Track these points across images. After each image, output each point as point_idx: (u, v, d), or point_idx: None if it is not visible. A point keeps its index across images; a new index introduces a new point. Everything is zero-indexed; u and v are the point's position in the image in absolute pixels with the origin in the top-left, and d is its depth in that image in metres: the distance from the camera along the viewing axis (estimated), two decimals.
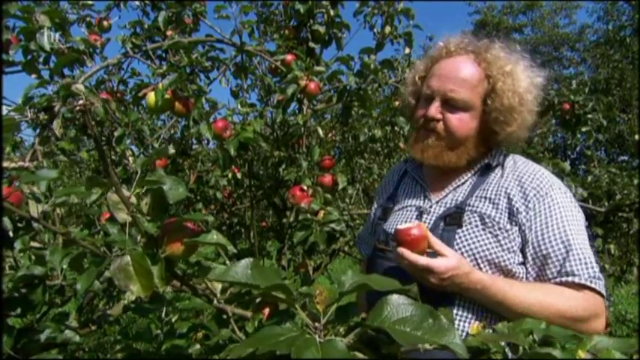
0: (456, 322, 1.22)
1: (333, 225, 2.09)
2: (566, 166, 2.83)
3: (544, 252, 1.20)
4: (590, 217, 3.02)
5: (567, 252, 1.18)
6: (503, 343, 0.69)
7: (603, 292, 1.18)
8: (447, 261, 1.13)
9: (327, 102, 2.97)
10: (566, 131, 3.11)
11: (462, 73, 1.30)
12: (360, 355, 0.61)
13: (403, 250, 1.14)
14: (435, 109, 1.30)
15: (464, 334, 1.20)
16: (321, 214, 2.12)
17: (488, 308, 1.20)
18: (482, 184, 1.33)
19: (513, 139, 1.35)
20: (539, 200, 1.24)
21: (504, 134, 1.32)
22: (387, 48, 2.96)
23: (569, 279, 1.17)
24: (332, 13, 2.76)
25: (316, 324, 0.64)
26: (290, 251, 2.93)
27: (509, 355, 0.70)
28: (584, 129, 2.97)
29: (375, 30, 2.96)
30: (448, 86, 1.29)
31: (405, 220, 1.40)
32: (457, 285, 1.15)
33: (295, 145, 2.76)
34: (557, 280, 1.18)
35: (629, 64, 15.96)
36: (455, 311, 1.22)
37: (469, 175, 1.38)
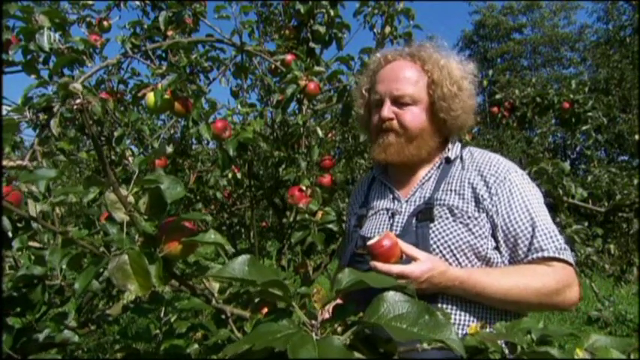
0: None
1: (331, 225, 2.09)
2: (566, 166, 2.82)
3: (513, 233, 1.27)
4: (590, 217, 3.02)
5: (533, 229, 1.26)
6: (501, 343, 0.69)
7: (571, 260, 1.26)
8: (421, 265, 1.17)
9: (327, 102, 2.96)
10: (566, 130, 3.11)
11: (403, 73, 1.42)
12: (357, 354, 0.61)
13: (375, 264, 1.17)
14: (387, 110, 1.40)
15: None
16: (320, 214, 2.13)
17: (470, 300, 1.25)
18: (446, 177, 1.40)
19: (460, 123, 1.44)
20: (499, 185, 1.32)
21: (451, 119, 1.41)
22: (387, 48, 2.95)
23: (539, 254, 1.24)
24: (332, 13, 2.75)
25: (313, 322, 0.64)
26: (290, 251, 2.93)
27: (508, 354, 0.70)
28: (584, 127, 2.97)
29: (375, 30, 2.96)
30: (393, 86, 1.41)
31: (379, 223, 1.44)
32: (435, 285, 1.19)
33: (295, 145, 2.76)
34: (529, 257, 1.25)
35: (628, 64, 15.96)
36: (439, 306, 1.26)
37: (432, 170, 1.45)
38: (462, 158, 1.43)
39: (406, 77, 1.41)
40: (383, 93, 1.42)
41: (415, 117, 1.40)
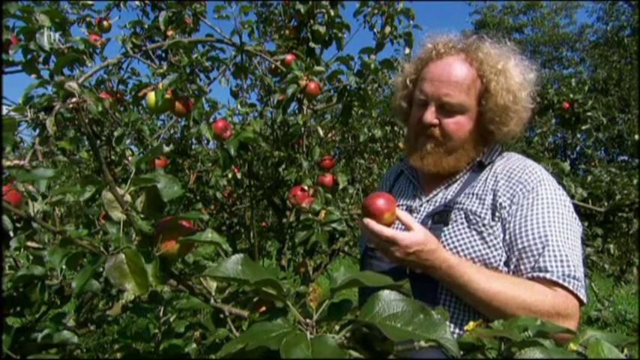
0: None
1: (334, 225, 2.08)
2: (566, 166, 2.83)
3: (519, 246, 1.16)
4: (590, 217, 3.02)
5: (543, 247, 1.13)
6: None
7: (579, 294, 1.11)
8: (413, 235, 1.11)
9: (327, 102, 2.97)
10: (566, 130, 3.12)
11: (454, 75, 1.26)
12: (353, 353, 0.61)
13: (368, 221, 1.12)
14: (430, 115, 1.28)
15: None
16: (323, 214, 2.12)
17: (468, 305, 1.17)
18: (472, 182, 1.30)
19: (509, 136, 1.34)
20: (524, 195, 1.21)
21: (501, 133, 1.31)
22: (387, 48, 2.96)
23: (542, 275, 1.11)
24: (332, 13, 2.76)
25: (308, 320, 0.64)
26: (290, 251, 2.93)
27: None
28: (583, 127, 2.97)
29: (375, 30, 2.96)
30: (442, 91, 1.26)
31: None
32: (422, 262, 1.11)
33: (295, 145, 2.76)
34: (530, 275, 1.13)
35: (627, 64, 15.98)
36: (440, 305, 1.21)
37: (461, 173, 1.35)
38: (495, 163, 1.32)
39: (458, 82, 1.25)
40: (430, 95, 1.28)
41: (460, 127, 1.27)
